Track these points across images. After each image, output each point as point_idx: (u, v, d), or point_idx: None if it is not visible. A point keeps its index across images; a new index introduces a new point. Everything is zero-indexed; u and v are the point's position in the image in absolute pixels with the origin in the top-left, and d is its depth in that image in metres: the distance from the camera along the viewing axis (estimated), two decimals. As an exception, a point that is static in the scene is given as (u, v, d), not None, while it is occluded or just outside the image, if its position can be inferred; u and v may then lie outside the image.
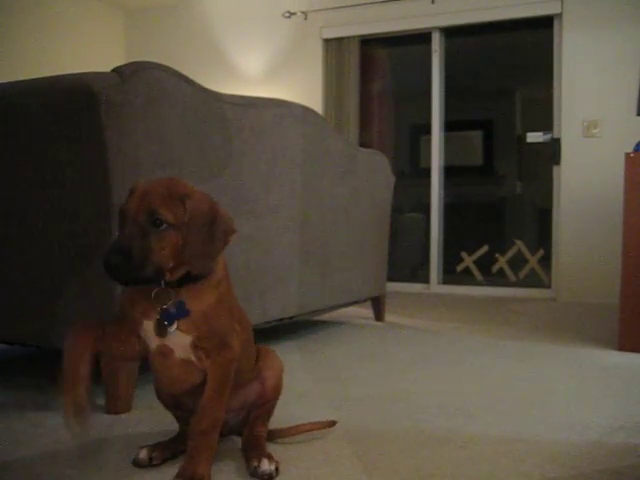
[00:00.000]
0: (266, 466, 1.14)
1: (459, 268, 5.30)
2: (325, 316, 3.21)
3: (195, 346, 1.10)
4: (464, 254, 5.30)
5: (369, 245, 3.07)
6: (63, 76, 1.56)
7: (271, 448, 1.28)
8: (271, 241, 2.24)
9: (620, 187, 2.55)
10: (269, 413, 1.30)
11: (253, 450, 1.21)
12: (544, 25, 4.65)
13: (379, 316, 3.26)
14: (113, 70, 1.55)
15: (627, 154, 2.49)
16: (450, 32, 5.01)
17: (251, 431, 1.25)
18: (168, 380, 1.16)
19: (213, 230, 1.06)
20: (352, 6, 5.08)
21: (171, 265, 1.05)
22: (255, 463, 1.16)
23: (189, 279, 1.08)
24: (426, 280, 5.07)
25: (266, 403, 1.27)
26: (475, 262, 5.28)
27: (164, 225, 1.02)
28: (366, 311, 3.38)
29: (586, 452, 1.31)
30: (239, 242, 2.05)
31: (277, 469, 1.16)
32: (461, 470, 1.20)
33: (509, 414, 1.59)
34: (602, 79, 4.35)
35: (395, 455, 1.28)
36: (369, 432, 1.43)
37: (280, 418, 1.43)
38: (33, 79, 1.64)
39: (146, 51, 5.67)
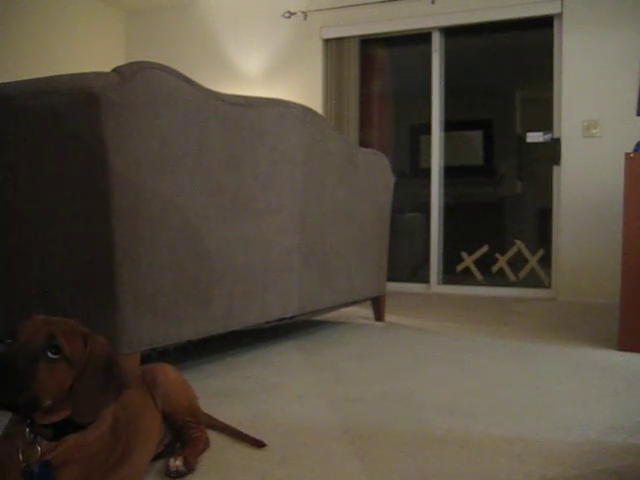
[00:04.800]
0: (172, 464, 1.15)
1: (459, 268, 5.30)
2: (325, 316, 3.20)
3: None
4: (464, 254, 5.29)
5: (369, 245, 3.07)
6: (63, 76, 1.56)
7: (270, 447, 1.28)
8: (271, 241, 2.24)
9: (620, 187, 2.55)
10: (190, 418, 1.24)
11: (177, 449, 1.21)
12: (544, 25, 4.65)
13: (379, 316, 3.26)
14: (113, 70, 1.55)
15: (627, 154, 2.49)
16: (450, 32, 5.01)
17: (181, 434, 1.24)
18: None
19: (108, 379, 0.96)
20: (352, 6, 5.08)
21: (48, 403, 0.90)
22: (167, 463, 1.16)
23: (63, 431, 0.93)
24: (426, 280, 5.06)
25: (177, 414, 1.21)
26: (475, 262, 5.27)
27: (59, 355, 0.91)
28: (366, 311, 3.38)
29: (586, 452, 1.31)
30: (239, 242, 2.05)
31: (188, 465, 1.15)
32: (461, 470, 1.20)
33: (509, 414, 1.59)
34: (602, 79, 4.35)
35: (395, 455, 1.28)
36: (369, 432, 1.43)
37: (280, 418, 1.43)
38: (33, 79, 1.64)
39: (146, 51, 5.67)
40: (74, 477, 0.92)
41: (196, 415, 1.26)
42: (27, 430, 0.92)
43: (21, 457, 0.91)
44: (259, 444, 1.31)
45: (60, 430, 0.93)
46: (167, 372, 1.23)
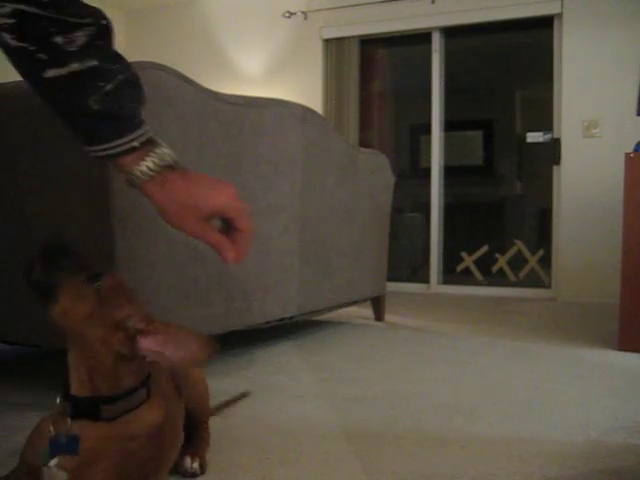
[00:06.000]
0: (188, 465, 1.14)
1: (459, 268, 5.30)
2: (325, 316, 3.20)
3: None
4: (464, 254, 5.30)
5: (369, 245, 3.07)
6: (63, 76, 1.55)
7: (270, 447, 1.28)
8: (271, 241, 2.24)
9: (620, 187, 2.55)
10: (203, 418, 1.25)
11: (187, 448, 1.19)
12: (544, 25, 4.65)
13: (379, 316, 3.26)
14: (113, 70, 1.55)
15: (627, 154, 2.49)
16: (450, 32, 5.01)
17: (193, 433, 1.23)
18: None
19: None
20: (352, 6, 5.08)
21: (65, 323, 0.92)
22: (180, 461, 1.14)
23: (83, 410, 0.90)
24: (426, 280, 5.06)
25: (199, 414, 1.21)
26: (475, 262, 5.27)
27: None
28: (366, 311, 3.38)
29: (586, 452, 1.30)
30: (239, 242, 2.05)
31: (202, 465, 1.15)
32: (461, 470, 1.20)
33: (509, 414, 1.59)
34: (602, 79, 4.35)
35: (395, 455, 1.28)
36: (369, 432, 1.43)
37: (280, 418, 1.43)
38: (33, 79, 1.64)
39: (146, 51, 5.67)
40: (110, 468, 0.89)
41: (207, 414, 1.26)
42: (58, 400, 0.93)
43: (51, 428, 0.91)
44: (244, 395, 1.44)
45: (81, 409, 0.91)
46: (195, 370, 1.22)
